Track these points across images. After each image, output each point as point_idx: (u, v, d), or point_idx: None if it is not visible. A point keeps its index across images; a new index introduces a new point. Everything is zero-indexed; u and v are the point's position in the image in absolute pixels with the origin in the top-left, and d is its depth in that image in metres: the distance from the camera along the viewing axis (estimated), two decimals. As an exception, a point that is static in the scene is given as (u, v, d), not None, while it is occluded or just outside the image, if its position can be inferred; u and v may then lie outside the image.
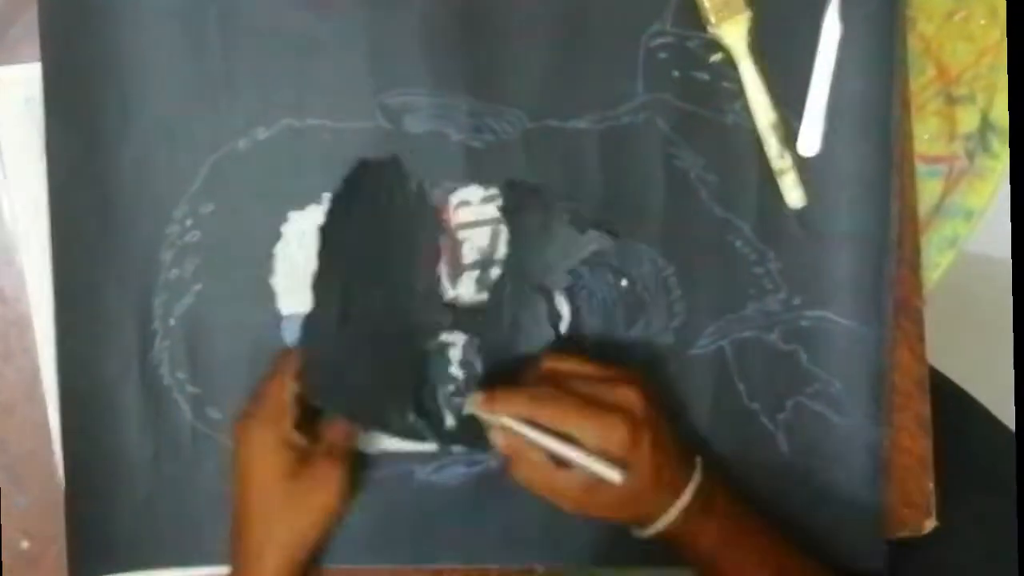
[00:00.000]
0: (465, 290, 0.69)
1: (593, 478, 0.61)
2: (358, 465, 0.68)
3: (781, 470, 0.70)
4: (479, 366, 0.69)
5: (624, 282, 0.69)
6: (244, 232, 0.68)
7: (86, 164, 0.67)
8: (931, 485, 0.71)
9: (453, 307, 0.69)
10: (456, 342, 0.69)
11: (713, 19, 0.67)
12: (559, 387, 0.63)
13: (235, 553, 0.64)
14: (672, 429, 0.64)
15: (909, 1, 0.69)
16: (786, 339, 0.69)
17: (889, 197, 0.68)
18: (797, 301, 0.69)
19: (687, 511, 0.63)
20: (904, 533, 0.72)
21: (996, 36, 0.71)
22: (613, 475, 0.60)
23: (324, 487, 0.64)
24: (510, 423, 0.62)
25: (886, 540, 0.71)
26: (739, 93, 0.68)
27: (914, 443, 0.71)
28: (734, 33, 0.67)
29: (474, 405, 0.63)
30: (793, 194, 0.68)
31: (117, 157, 0.67)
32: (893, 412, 0.70)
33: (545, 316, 0.69)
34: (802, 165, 0.68)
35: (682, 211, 0.68)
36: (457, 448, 0.69)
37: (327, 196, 0.68)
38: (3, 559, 0.69)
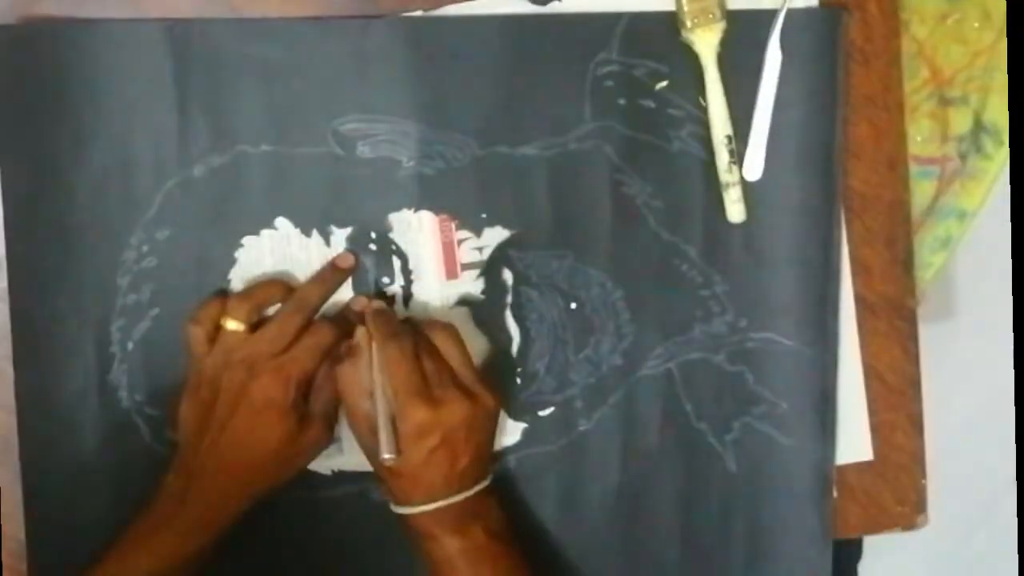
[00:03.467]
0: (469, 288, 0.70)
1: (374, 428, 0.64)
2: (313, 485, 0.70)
3: (729, 490, 0.71)
4: None
5: (573, 305, 0.70)
6: (199, 257, 0.69)
7: (41, 193, 0.68)
8: (924, 482, 0.73)
9: None
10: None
11: (688, 23, 0.67)
12: (422, 348, 0.64)
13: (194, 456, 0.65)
14: (478, 459, 0.65)
15: (903, 4, 0.70)
16: (733, 361, 0.71)
17: (831, 224, 0.69)
18: (743, 323, 0.70)
19: (429, 518, 0.64)
20: (896, 530, 0.73)
21: (989, 39, 0.71)
22: (382, 446, 0.63)
23: (314, 449, 0.67)
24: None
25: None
26: (684, 120, 0.69)
27: (907, 441, 0.73)
28: (707, 40, 0.67)
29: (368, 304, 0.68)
30: (735, 208, 0.69)
31: (72, 186, 0.68)
32: (837, 434, 0.71)
33: None
34: (747, 190, 0.69)
35: (630, 236, 0.70)
36: None
37: (281, 221, 0.69)
38: (6, 555, 0.70)
